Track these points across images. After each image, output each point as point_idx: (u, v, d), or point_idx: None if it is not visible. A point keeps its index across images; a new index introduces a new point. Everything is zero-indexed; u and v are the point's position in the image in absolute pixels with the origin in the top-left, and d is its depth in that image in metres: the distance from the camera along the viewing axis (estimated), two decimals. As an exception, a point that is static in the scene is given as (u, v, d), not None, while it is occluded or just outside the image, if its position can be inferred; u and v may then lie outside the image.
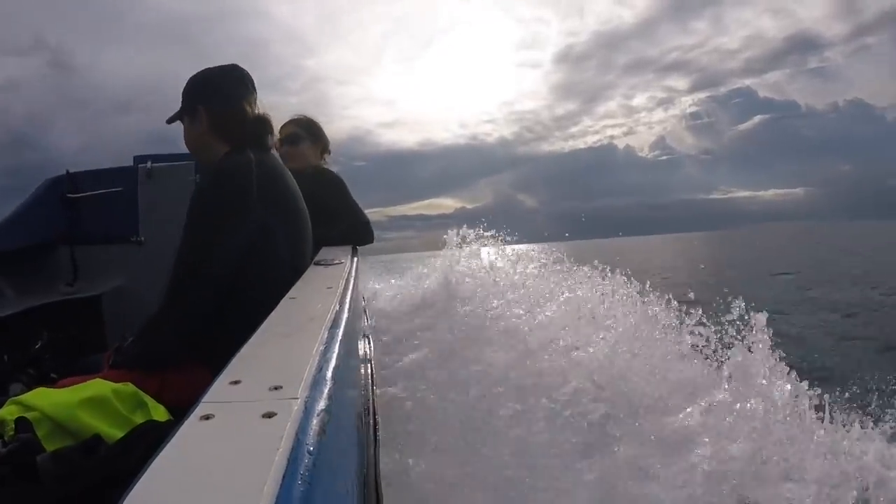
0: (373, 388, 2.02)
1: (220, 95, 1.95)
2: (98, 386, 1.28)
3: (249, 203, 1.74)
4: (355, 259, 2.38)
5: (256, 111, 1.97)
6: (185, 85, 1.98)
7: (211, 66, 1.99)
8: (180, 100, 1.97)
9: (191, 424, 0.63)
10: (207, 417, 0.64)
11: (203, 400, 0.70)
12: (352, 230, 2.98)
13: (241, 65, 1.98)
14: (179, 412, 1.32)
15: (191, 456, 0.56)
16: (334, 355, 0.91)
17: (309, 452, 0.58)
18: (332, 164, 3.40)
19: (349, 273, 1.82)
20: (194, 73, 2.00)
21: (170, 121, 1.98)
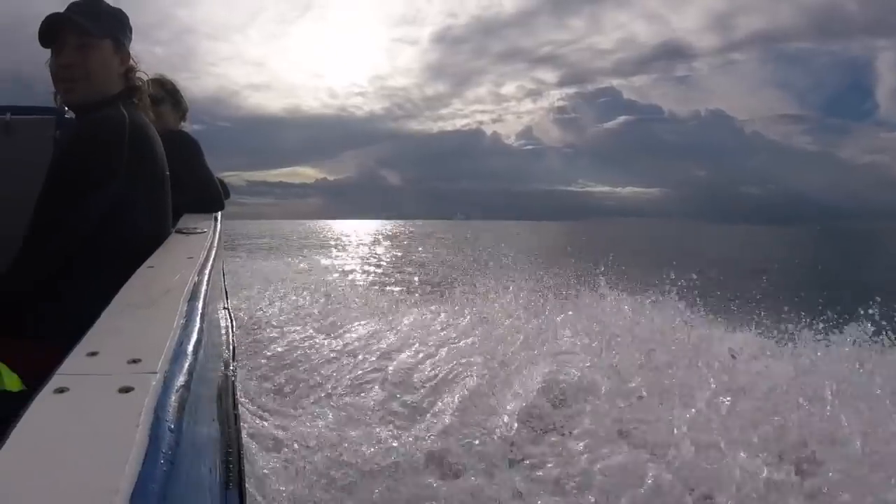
0: (233, 363, 1.96)
1: (129, 40, 1.83)
2: None
3: (117, 167, 1.61)
4: (218, 228, 2.29)
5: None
6: (102, 6, 1.77)
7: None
8: (96, 19, 1.72)
9: (44, 398, 0.59)
10: (62, 391, 0.60)
11: (58, 372, 0.65)
12: (200, 197, 2.86)
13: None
14: (30, 382, 1.21)
15: (46, 431, 0.53)
16: (195, 328, 0.88)
17: (170, 430, 0.56)
18: (195, 122, 3.25)
19: (211, 243, 1.75)
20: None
21: (98, 30, 1.72)
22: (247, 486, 1.24)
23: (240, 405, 1.81)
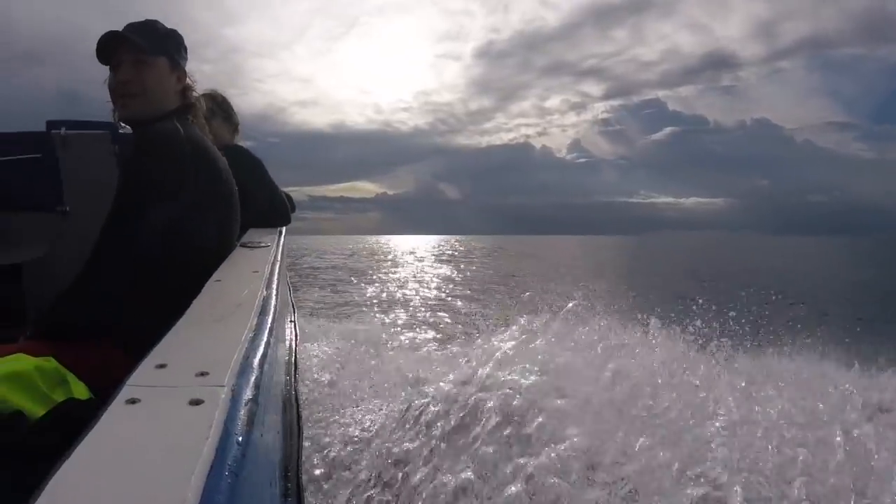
0: (296, 376, 1.99)
1: (185, 60, 1.91)
2: (20, 361, 1.22)
3: (185, 177, 1.67)
4: (281, 242, 2.34)
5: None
6: (158, 27, 1.85)
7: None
8: (152, 38, 1.80)
9: (117, 408, 0.61)
10: (133, 401, 0.62)
11: (128, 383, 0.67)
12: (267, 211, 2.93)
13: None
14: (96, 390, 1.27)
15: (117, 441, 0.55)
16: (262, 343, 0.89)
17: (237, 443, 0.57)
18: (245, 139, 3.35)
19: (275, 256, 1.78)
20: (154, 20, 1.87)
21: (153, 49, 1.80)
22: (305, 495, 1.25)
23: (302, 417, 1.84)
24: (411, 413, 3.56)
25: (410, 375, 4.72)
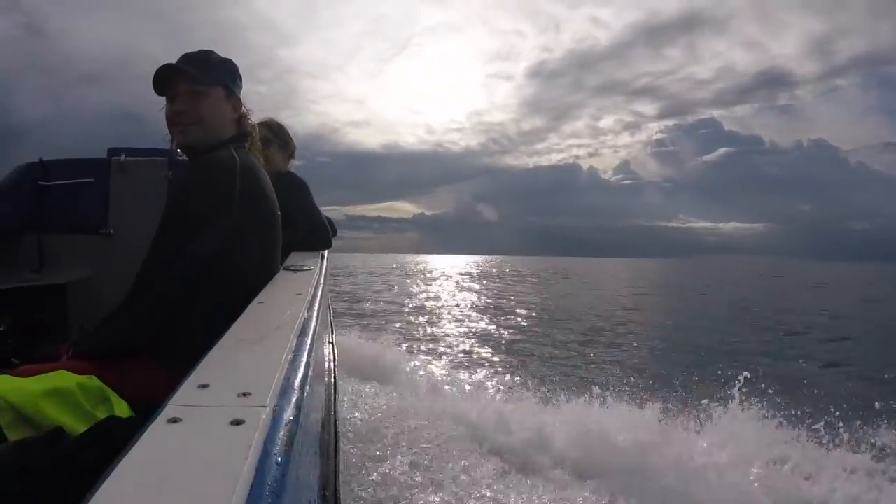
0: (335, 397, 2.00)
1: (239, 88, 1.96)
2: (63, 378, 1.26)
3: (231, 203, 1.70)
4: (324, 266, 2.37)
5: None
6: (213, 57, 1.91)
7: (195, 49, 1.92)
8: (207, 69, 1.85)
9: (158, 427, 0.62)
10: (175, 420, 0.63)
11: (170, 402, 0.68)
12: (309, 235, 2.98)
13: (217, 49, 1.95)
14: (137, 408, 1.29)
15: (158, 460, 0.55)
16: (302, 364, 0.90)
17: (277, 464, 0.57)
18: (297, 159, 3.43)
19: (318, 280, 1.80)
20: (209, 50, 1.93)
21: (208, 79, 1.85)
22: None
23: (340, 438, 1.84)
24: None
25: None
